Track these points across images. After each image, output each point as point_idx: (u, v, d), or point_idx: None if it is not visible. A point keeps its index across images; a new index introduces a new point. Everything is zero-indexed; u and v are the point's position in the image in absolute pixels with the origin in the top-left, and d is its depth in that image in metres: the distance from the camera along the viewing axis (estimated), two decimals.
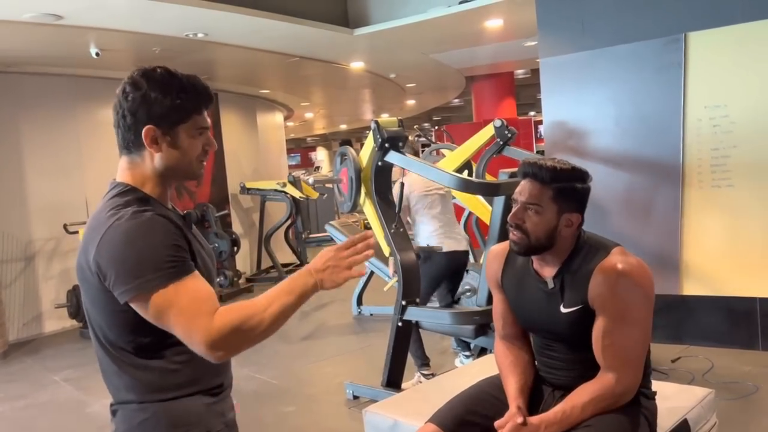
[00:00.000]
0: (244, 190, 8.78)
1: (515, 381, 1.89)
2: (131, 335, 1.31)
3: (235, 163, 9.03)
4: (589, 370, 1.79)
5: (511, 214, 1.80)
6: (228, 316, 1.25)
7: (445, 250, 4.11)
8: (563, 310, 1.80)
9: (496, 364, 2.01)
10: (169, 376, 1.33)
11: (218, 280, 7.77)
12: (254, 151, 9.73)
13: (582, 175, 1.80)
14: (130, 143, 1.36)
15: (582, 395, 1.74)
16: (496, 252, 2.03)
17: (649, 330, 1.79)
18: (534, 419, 1.72)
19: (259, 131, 9.97)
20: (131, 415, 1.34)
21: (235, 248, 8.02)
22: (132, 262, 1.24)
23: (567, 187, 1.77)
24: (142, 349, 1.32)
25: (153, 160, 1.36)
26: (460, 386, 2.05)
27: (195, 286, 1.27)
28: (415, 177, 4.08)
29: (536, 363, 2.00)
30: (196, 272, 1.30)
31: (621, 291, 1.71)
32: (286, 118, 13.04)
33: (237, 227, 8.88)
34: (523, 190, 1.80)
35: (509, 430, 1.68)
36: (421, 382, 4.02)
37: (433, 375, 4.03)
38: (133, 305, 1.26)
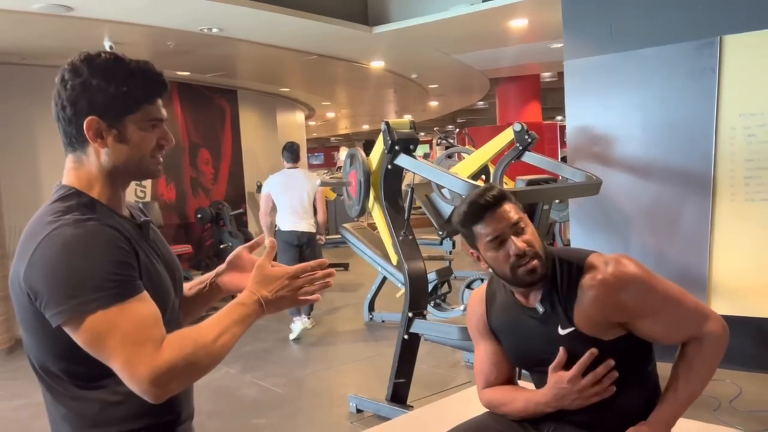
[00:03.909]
0: (261, 189, 8.65)
1: (525, 389, 1.76)
2: (66, 362, 1.14)
3: (252, 162, 8.92)
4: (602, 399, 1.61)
5: (514, 247, 1.59)
6: (177, 347, 1.08)
7: (288, 228, 5.58)
8: (561, 332, 1.62)
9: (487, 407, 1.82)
10: (111, 409, 1.16)
11: None
12: (273, 149, 9.58)
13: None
14: (73, 138, 1.19)
15: (691, 367, 1.62)
16: (475, 299, 1.86)
17: (672, 283, 1.66)
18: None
19: (278, 130, 9.85)
20: None
21: None
22: (68, 279, 1.07)
23: (510, 198, 1.69)
24: (79, 377, 1.15)
25: (100, 157, 1.19)
26: (462, 414, 1.86)
27: (141, 310, 1.10)
28: (279, 178, 5.75)
29: None
30: (144, 293, 1.13)
31: (631, 299, 1.58)
32: (307, 118, 12.92)
33: (253, 226, 8.76)
34: (500, 218, 1.62)
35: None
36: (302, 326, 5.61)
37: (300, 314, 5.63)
38: (66, 329, 1.08)
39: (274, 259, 1.30)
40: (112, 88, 1.16)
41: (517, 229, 1.62)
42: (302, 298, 1.25)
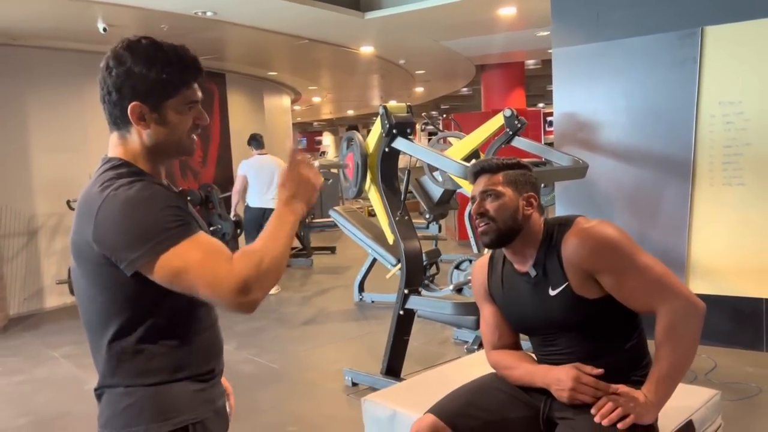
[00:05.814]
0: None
1: (531, 360, 1.89)
2: (122, 316, 1.27)
3: (240, 145, 8.96)
4: (601, 357, 1.75)
5: (474, 207, 1.86)
6: (246, 259, 1.21)
7: (256, 205, 6.68)
8: (552, 293, 1.78)
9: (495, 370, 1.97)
10: (157, 359, 1.29)
11: None
12: (261, 133, 9.67)
13: (527, 165, 1.93)
14: (118, 120, 1.31)
15: (662, 344, 1.68)
16: (479, 264, 2.05)
17: (651, 257, 1.76)
18: (637, 393, 1.67)
19: (266, 113, 9.90)
20: (117, 399, 1.30)
21: (238, 230, 7.98)
22: (138, 228, 1.19)
23: (515, 172, 1.88)
24: (130, 330, 1.28)
25: (142, 137, 1.31)
26: (463, 377, 2.02)
27: (206, 239, 1.23)
28: (253, 162, 6.77)
29: None
30: (201, 231, 1.25)
31: (600, 250, 1.72)
32: (293, 102, 12.97)
33: (241, 209, 8.83)
34: (477, 184, 1.90)
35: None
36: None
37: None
38: (144, 272, 1.20)
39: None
40: (153, 75, 1.27)
41: (485, 196, 1.85)
42: (312, 182, 1.38)
